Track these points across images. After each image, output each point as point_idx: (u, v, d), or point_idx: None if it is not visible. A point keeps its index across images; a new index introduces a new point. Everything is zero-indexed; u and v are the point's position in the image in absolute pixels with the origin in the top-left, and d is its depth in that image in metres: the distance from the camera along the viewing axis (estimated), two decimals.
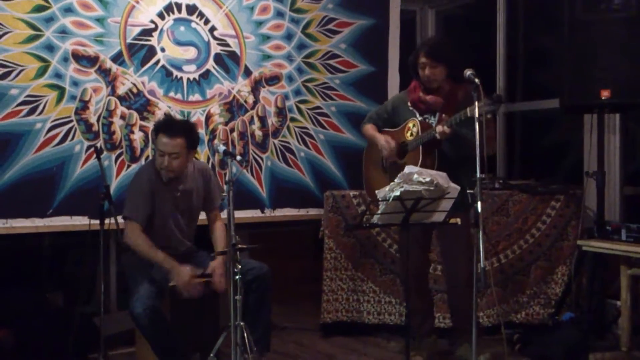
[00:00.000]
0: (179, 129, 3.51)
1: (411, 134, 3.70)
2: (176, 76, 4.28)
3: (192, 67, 4.34)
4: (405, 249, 3.29)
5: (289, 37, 4.73)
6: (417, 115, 3.74)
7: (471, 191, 2.87)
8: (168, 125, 3.55)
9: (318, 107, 4.85)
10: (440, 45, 3.69)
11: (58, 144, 3.89)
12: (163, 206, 3.57)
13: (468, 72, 3.17)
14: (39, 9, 3.84)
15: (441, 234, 3.78)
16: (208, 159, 4.40)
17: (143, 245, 3.45)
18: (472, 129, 3.01)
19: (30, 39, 3.82)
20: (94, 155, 3.61)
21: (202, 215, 3.82)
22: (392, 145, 3.77)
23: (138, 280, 3.39)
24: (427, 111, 3.72)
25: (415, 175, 3.13)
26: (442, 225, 3.34)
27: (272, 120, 4.65)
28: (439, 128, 3.44)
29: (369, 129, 3.97)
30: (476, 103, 3.00)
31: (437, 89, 3.67)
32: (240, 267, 3.01)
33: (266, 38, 4.64)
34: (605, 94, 3.89)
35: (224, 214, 3.83)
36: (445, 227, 3.41)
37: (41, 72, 3.85)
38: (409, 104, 3.78)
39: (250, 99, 4.57)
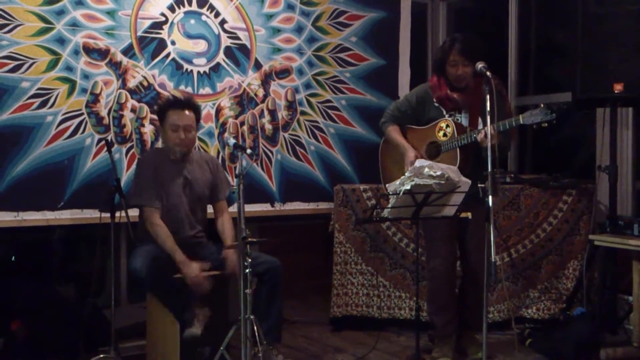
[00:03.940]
0: (187, 103, 3.65)
1: (444, 134, 3.57)
2: (186, 69, 4.27)
3: (203, 60, 4.34)
4: (431, 242, 3.22)
5: (299, 30, 4.71)
6: (444, 112, 3.63)
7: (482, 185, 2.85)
8: (177, 101, 3.68)
9: (328, 101, 4.84)
10: (473, 44, 3.50)
11: (69, 137, 3.90)
12: (172, 189, 3.58)
13: (480, 65, 3.14)
14: (50, 1, 3.84)
15: (470, 229, 3.59)
16: (218, 152, 4.40)
17: (162, 233, 3.47)
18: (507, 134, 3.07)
19: (42, 32, 3.82)
20: (105, 149, 3.64)
21: (210, 207, 3.82)
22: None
23: (143, 250, 3.44)
24: (454, 108, 3.63)
25: (426, 169, 3.12)
26: (473, 220, 3.29)
27: (282, 114, 4.64)
28: (480, 136, 3.27)
29: (393, 132, 3.79)
30: (487, 97, 2.97)
31: (464, 86, 3.57)
32: (250, 260, 3.01)
33: (276, 31, 4.62)
34: (618, 87, 3.86)
35: (234, 208, 3.83)
36: (476, 222, 3.35)
37: (52, 65, 3.85)
38: (434, 99, 3.67)
39: (261, 92, 4.56)
